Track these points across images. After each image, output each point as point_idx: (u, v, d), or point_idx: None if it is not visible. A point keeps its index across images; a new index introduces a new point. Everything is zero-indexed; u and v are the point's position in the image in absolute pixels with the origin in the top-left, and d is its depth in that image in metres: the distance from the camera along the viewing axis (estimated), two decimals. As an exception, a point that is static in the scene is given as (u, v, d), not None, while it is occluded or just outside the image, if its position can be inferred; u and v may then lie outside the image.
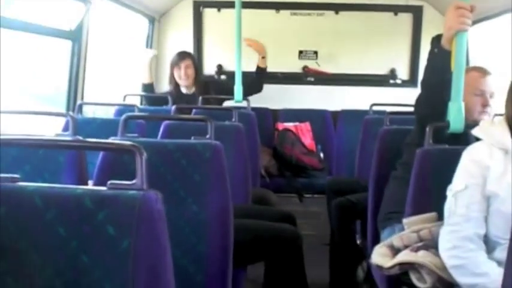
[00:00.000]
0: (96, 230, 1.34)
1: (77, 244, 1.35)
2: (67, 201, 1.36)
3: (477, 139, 2.15)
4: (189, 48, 5.38)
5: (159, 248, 1.35)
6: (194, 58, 4.64)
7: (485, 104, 2.61)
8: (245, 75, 4.35)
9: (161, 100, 4.45)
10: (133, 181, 1.38)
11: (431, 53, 2.44)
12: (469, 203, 1.96)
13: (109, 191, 1.37)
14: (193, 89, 4.55)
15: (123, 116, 2.56)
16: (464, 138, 2.42)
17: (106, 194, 1.37)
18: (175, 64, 4.52)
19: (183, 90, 4.58)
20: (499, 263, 1.92)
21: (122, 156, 2.19)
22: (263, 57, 4.73)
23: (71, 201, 1.36)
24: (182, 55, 4.56)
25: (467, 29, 2.30)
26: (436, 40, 2.40)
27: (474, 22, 2.33)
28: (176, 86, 4.58)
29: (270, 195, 4.03)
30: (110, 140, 1.58)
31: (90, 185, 2.28)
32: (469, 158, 2.02)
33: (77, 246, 1.35)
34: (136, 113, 3.13)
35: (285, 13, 5.50)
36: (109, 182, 1.39)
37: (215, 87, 4.64)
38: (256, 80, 4.68)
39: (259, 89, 4.74)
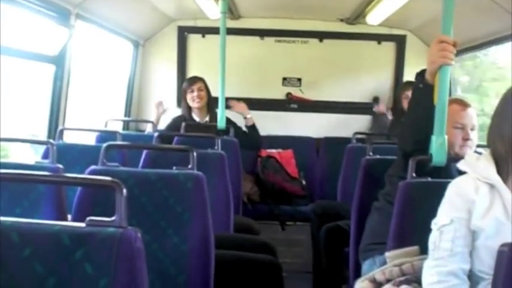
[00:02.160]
0: (74, 268, 1.31)
1: (55, 282, 1.33)
2: (44, 238, 1.33)
3: (459, 172, 2.15)
4: (173, 73, 5.38)
5: (138, 286, 1.32)
6: (206, 82, 4.58)
7: (465, 138, 2.61)
8: (236, 127, 4.40)
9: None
10: (113, 218, 1.36)
11: (415, 88, 2.45)
12: (454, 238, 1.95)
13: (87, 228, 1.35)
14: (206, 118, 4.47)
15: (104, 145, 2.53)
16: (446, 172, 2.42)
17: (84, 231, 1.34)
18: (187, 88, 4.45)
19: (196, 117, 4.48)
20: (481, 298, 1.91)
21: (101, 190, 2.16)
22: (245, 118, 4.61)
23: (48, 238, 1.33)
24: (193, 79, 4.54)
25: (450, 63, 2.32)
26: (420, 75, 2.41)
27: (458, 53, 2.34)
28: (188, 112, 4.49)
29: (252, 224, 4.01)
30: (89, 176, 1.55)
31: (70, 219, 2.24)
32: (455, 192, 2.01)
33: (54, 285, 1.33)
34: (118, 142, 3.11)
35: (269, 40, 5.52)
36: (88, 219, 1.37)
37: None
38: (250, 139, 4.56)
39: (257, 146, 4.73)
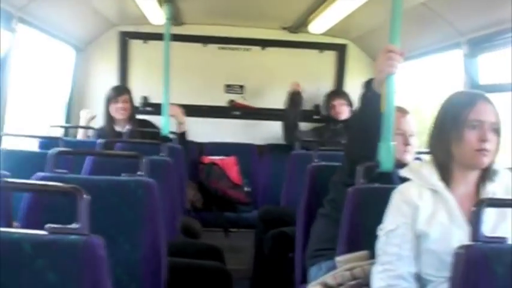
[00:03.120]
0: (37, 276, 1.28)
1: None
2: (4, 246, 1.29)
3: (401, 178, 2.21)
4: (114, 78, 5.31)
5: (102, 295, 1.30)
6: (131, 93, 4.51)
7: (406, 143, 2.69)
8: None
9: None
10: (75, 225, 1.34)
11: (364, 96, 2.50)
12: (401, 242, 2.01)
13: (49, 235, 1.32)
14: (126, 127, 4.36)
15: (53, 151, 2.48)
16: (388, 178, 2.49)
17: (46, 238, 1.31)
18: (112, 98, 4.36)
19: (117, 127, 4.40)
20: (430, 300, 1.97)
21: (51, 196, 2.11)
22: (180, 123, 4.58)
23: (8, 246, 1.29)
24: (119, 89, 4.46)
25: (395, 72, 2.38)
26: (368, 84, 2.46)
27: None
28: (110, 122, 4.40)
29: (196, 224, 4.03)
30: (50, 183, 1.51)
31: (16, 226, 2.18)
32: (399, 198, 2.07)
33: None
34: (67, 148, 3.04)
35: (212, 47, 5.52)
36: (48, 226, 1.34)
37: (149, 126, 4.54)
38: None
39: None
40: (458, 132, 1.99)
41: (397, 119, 2.66)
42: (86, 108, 4.88)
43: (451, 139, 2.00)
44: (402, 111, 2.74)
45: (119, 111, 4.33)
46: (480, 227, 1.54)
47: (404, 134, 2.70)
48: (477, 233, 1.52)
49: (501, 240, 1.54)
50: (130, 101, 4.42)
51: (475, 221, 1.53)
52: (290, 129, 4.97)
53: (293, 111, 5.02)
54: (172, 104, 4.49)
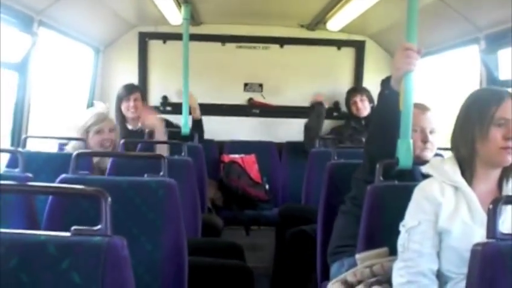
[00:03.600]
0: (61, 277, 1.32)
1: None
2: (30, 248, 1.33)
3: (423, 175, 2.22)
4: (134, 79, 5.36)
5: (126, 295, 1.33)
6: (142, 91, 4.57)
7: (425, 140, 2.69)
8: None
9: None
10: (98, 227, 1.37)
11: (381, 94, 2.50)
12: (423, 239, 2.01)
13: (73, 237, 1.36)
14: (139, 125, 4.43)
15: (75, 153, 2.52)
16: (410, 175, 2.49)
17: (70, 240, 1.35)
18: (123, 97, 4.43)
19: (129, 126, 4.47)
20: (451, 296, 1.98)
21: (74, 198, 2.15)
22: (193, 108, 4.64)
23: (34, 248, 1.33)
24: (130, 88, 4.50)
25: (414, 69, 2.38)
26: (386, 82, 2.46)
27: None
28: (122, 121, 4.45)
29: (217, 221, 4.08)
30: (73, 186, 1.54)
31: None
32: (421, 195, 2.08)
33: None
34: (88, 150, 3.09)
35: (230, 46, 5.55)
36: (73, 228, 1.37)
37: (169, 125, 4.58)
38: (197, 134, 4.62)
39: (202, 141, 4.68)
40: (484, 130, 1.98)
41: (416, 116, 2.66)
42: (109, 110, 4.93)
43: (476, 136, 2.00)
44: (421, 108, 2.74)
45: (129, 109, 4.39)
46: (497, 224, 1.54)
47: (423, 131, 2.70)
48: (493, 230, 1.53)
49: (518, 237, 1.54)
50: (142, 99, 4.46)
51: (491, 218, 1.54)
52: (311, 138, 4.98)
53: (315, 121, 5.05)
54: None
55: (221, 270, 2.77)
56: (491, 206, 1.54)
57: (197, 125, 4.68)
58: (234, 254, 3.26)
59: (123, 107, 4.42)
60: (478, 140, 1.99)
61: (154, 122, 4.07)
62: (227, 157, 5.18)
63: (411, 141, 2.44)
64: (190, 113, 4.53)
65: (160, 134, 4.03)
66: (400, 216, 2.12)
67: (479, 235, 1.88)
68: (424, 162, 2.27)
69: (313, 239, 3.30)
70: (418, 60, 2.37)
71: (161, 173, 2.54)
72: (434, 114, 2.78)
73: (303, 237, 3.71)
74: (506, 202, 1.59)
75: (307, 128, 5.05)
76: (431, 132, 2.72)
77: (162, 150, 3.73)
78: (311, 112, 5.14)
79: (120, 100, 4.44)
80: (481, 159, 2.01)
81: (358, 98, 5.01)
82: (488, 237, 1.55)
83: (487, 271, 1.49)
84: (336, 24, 5.01)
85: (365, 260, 2.29)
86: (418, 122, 2.69)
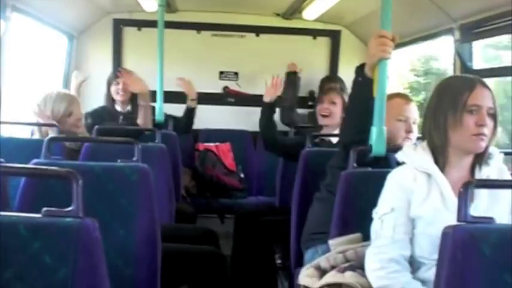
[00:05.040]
0: (32, 259, 1.30)
1: (12, 274, 1.31)
2: (0, 229, 1.31)
3: (398, 163, 2.23)
4: (109, 66, 5.31)
5: (97, 276, 1.33)
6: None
7: (408, 130, 2.71)
8: (176, 119, 4.50)
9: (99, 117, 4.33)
10: (70, 208, 1.36)
11: (355, 81, 2.51)
12: (395, 225, 2.03)
13: (44, 218, 1.34)
14: (128, 107, 4.44)
15: (47, 138, 2.50)
16: (385, 162, 2.51)
17: (41, 221, 1.33)
18: (112, 80, 4.43)
19: (118, 107, 4.46)
20: (423, 282, 2.00)
21: (46, 180, 2.13)
22: (192, 100, 4.63)
23: (4, 229, 1.31)
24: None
25: (388, 56, 2.39)
26: (360, 69, 2.47)
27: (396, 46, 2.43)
28: (111, 102, 4.46)
29: (189, 209, 4.08)
30: (45, 167, 1.53)
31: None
32: (394, 182, 2.09)
33: (11, 276, 1.31)
34: (60, 135, 3.05)
35: (206, 34, 5.52)
36: (44, 209, 1.36)
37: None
38: (184, 121, 4.60)
39: (187, 130, 4.69)
40: (456, 117, 1.99)
41: (401, 106, 2.70)
42: (82, 96, 4.88)
43: (449, 123, 2.01)
44: (405, 98, 2.77)
45: (119, 92, 4.39)
46: (468, 207, 1.56)
47: (407, 121, 2.72)
48: (464, 213, 1.54)
49: (488, 220, 1.56)
50: None
51: (462, 201, 1.55)
52: (287, 111, 4.99)
53: (290, 91, 5.04)
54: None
55: (195, 257, 2.77)
56: (462, 189, 1.56)
57: (190, 115, 4.64)
58: (208, 240, 3.27)
59: (112, 90, 4.43)
60: (451, 127, 2.01)
61: (140, 87, 4.05)
62: (202, 145, 5.17)
63: (384, 128, 2.46)
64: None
65: (147, 99, 4.05)
66: (373, 202, 2.13)
67: (451, 221, 1.90)
68: (398, 148, 2.28)
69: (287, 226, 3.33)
70: (392, 48, 2.39)
71: (134, 158, 2.53)
72: (415, 105, 2.81)
73: (274, 226, 3.75)
74: (477, 186, 1.61)
75: (282, 99, 5.05)
76: (414, 122, 2.75)
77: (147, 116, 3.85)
78: (286, 83, 5.12)
79: (109, 84, 4.45)
80: (454, 146, 2.03)
81: (331, 86, 5.02)
82: (459, 220, 1.57)
83: (458, 254, 1.50)
84: (311, 13, 5.02)
85: (338, 245, 2.30)
86: (403, 112, 2.71)
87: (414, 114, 2.75)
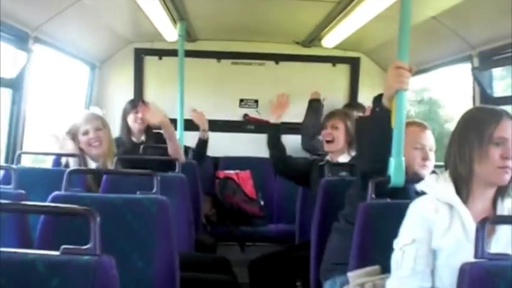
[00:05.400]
0: None
1: None
2: (19, 267, 1.33)
3: (417, 193, 2.22)
4: (130, 95, 5.37)
5: (114, 314, 1.33)
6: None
7: (425, 158, 2.69)
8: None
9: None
10: (87, 246, 1.37)
11: (372, 111, 2.51)
12: (416, 257, 2.01)
13: (62, 256, 1.36)
14: (142, 138, 4.46)
15: (68, 170, 2.53)
16: (404, 193, 2.50)
17: (59, 259, 1.35)
18: (130, 109, 4.46)
19: (133, 138, 4.48)
20: (443, 314, 1.98)
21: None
22: (204, 130, 4.67)
23: (23, 267, 1.33)
24: (136, 101, 4.56)
25: (406, 88, 2.39)
26: (377, 99, 2.48)
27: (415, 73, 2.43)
28: (127, 133, 4.47)
29: (209, 239, 4.08)
30: (61, 205, 1.55)
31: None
32: (416, 212, 2.07)
33: None
34: (81, 167, 3.09)
35: (226, 62, 5.58)
36: (62, 247, 1.37)
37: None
38: (197, 151, 4.64)
39: (200, 161, 4.66)
40: (482, 149, 1.97)
41: (417, 134, 2.68)
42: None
43: (474, 155, 1.99)
44: (421, 126, 2.75)
45: (137, 120, 4.40)
46: (484, 243, 1.55)
47: (423, 149, 2.70)
48: (481, 249, 1.53)
49: (505, 257, 1.55)
50: None
51: (479, 237, 1.54)
52: (308, 137, 5.00)
53: (312, 118, 5.06)
54: (194, 110, 4.56)
55: (211, 285, 2.77)
56: (478, 226, 1.55)
57: (203, 146, 4.68)
58: (222, 267, 3.28)
59: (130, 119, 4.45)
60: (476, 160, 1.99)
61: (161, 118, 3.78)
62: (222, 173, 5.19)
63: (403, 158, 2.45)
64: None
65: (170, 129, 3.78)
66: (392, 234, 2.11)
67: (472, 253, 1.88)
68: (419, 179, 2.27)
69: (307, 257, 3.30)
70: (409, 79, 2.39)
71: (154, 190, 2.54)
72: (431, 132, 2.80)
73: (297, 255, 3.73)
74: (493, 222, 1.60)
75: (304, 126, 5.06)
76: (430, 149, 2.73)
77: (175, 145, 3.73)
78: (308, 110, 5.14)
79: (127, 113, 4.48)
80: (479, 178, 2.01)
81: (354, 114, 5.02)
82: (476, 257, 1.55)
83: (475, 291, 1.49)
84: (330, 41, 5.04)
85: (357, 278, 2.29)
86: (419, 140, 2.69)
87: (430, 141, 2.74)
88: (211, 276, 3.00)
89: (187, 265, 2.84)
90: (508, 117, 2.01)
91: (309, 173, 3.77)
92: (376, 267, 2.29)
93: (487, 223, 1.56)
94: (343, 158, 3.68)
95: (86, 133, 3.38)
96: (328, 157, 3.78)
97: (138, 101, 4.64)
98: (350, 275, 2.33)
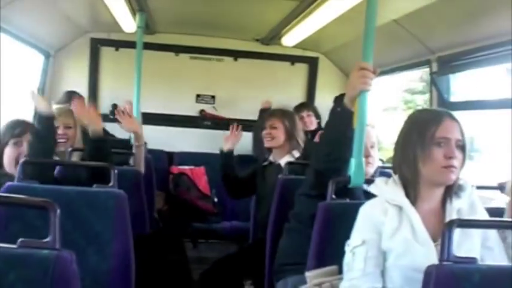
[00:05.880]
0: None
1: None
2: (-27, 260, 1.27)
3: (365, 192, 2.23)
4: (84, 85, 5.27)
5: (73, 310, 1.29)
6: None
7: (366, 155, 2.71)
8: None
9: None
10: (46, 239, 1.32)
11: (333, 111, 2.50)
12: (366, 258, 2.02)
13: (20, 249, 1.30)
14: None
15: (21, 161, 2.45)
16: (352, 193, 2.51)
17: (17, 252, 1.29)
18: (64, 102, 4.30)
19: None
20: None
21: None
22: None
23: (-23, 260, 1.27)
24: (71, 94, 4.46)
25: (369, 88, 2.40)
26: (339, 99, 2.48)
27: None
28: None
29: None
30: (20, 196, 1.49)
31: None
32: (365, 214, 2.09)
33: None
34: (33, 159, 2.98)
35: (184, 57, 5.52)
36: (19, 240, 1.32)
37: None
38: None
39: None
40: (425, 150, 2.00)
41: None
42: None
43: (418, 156, 2.02)
44: None
45: None
46: (450, 246, 1.56)
47: (365, 146, 2.72)
48: (448, 252, 1.54)
49: (471, 260, 1.56)
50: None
51: (445, 240, 1.55)
52: (259, 144, 4.98)
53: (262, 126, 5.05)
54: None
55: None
56: (446, 229, 1.55)
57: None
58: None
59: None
60: (420, 161, 2.01)
61: (135, 126, 3.83)
62: (176, 168, 5.12)
63: (363, 159, 2.46)
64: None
65: (141, 140, 3.79)
66: (350, 234, 2.12)
67: (421, 254, 1.90)
68: (371, 180, 2.28)
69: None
70: (372, 80, 2.40)
71: (110, 184, 2.49)
72: (372, 129, 2.82)
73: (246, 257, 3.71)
74: (460, 225, 1.61)
75: (254, 133, 5.04)
76: (371, 146, 2.77)
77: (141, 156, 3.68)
78: (260, 118, 5.14)
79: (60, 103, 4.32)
80: (425, 179, 2.03)
81: (305, 113, 5.03)
82: (442, 259, 1.56)
83: (440, 293, 1.50)
84: (290, 39, 5.05)
85: (315, 278, 2.28)
86: None
87: (372, 138, 2.78)
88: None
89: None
90: (449, 118, 2.03)
91: (254, 178, 3.79)
92: (334, 267, 2.28)
93: (454, 226, 1.57)
94: (287, 159, 3.67)
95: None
96: (271, 158, 3.77)
97: (75, 94, 4.51)
98: (308, 274, 2.32)
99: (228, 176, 3.93)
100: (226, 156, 3.95)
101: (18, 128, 2.91)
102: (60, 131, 3.20)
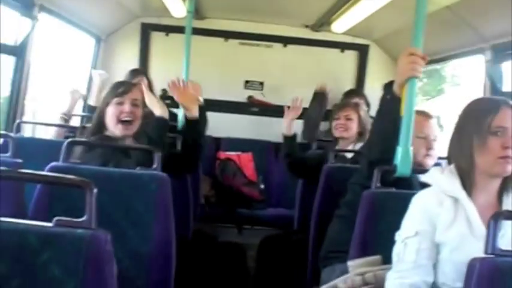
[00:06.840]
0: (40, 269, 1.26)
1: (19, 283, 1.27)
2: (9, 237, 1.27)
3: (421, 184, 2.16)
4: (134, 69, 5.30)
5: (106, 291, 1.28)
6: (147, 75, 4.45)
7: (429, 147, 2.66)
8: None
9: None
10: (82, 218, 1.31)
11: (383, 98, 2.45)
12: (419, 250, 1.95)
13: (55, 228, 1.30)
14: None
15: (66, 142, 2.47)
16: (408, 183, 2.44)
17: (52, 231, 1.29)
18: (131, 79, 4.12)
19: None
20: (444, 310, 1.93)
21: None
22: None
23: (13, 237, 1.27)
24: (135, 72, 4.39)
25: (418, 75, 2.33)
26: (388, 87, 2.41)
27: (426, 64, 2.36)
28: None
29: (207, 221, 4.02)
30: (58, 174, 1.49)
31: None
32: (419, 205, 2.02)
33: (18, 286, 1.27)
34: (81, 139, 3.02)
35: (233, 42, 5.50)
36: (55, 219, 1.31)
37: None
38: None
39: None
40: (482, 140, 1.93)
41: (421, 123, 2.63)
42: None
43: (474, 146, 1.95)
44: (426, 115, 2.71)
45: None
46: (496, 239, 1.49)
47: (427, 138, 2.66)
48: (492, 245, 1.47)
49: (517, 254, 1.49)
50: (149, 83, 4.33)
51: (491, 233, 1.48)
52: (311, 128, 4.95)
53: (316, 110, 5.02)
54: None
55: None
56: (491, 221, 1.49)
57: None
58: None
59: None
60: (476, 150, 1.94)
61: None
62: (223, 154, 5.12)
63: (411, 148, 2.39)
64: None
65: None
66: (396, 224, 2.06)
67: (477, 248, 1.82)
68: (424, 170, 2.21)
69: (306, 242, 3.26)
70: (422, 67, 2.32)
71: (154, 166, 2.49)
72: (435, 122, 2.75)
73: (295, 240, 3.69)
74: (507, 217, 1.54)
75: (306, 117, 5.00)
76: (434, 139, 2.69)
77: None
78: (313, 101, 5.10)
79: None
80: (480, 169, 1.96)
81: (355, 101, 4.96)
82: (486, 252, 1.50)
83: (483, 287, 1.44)
84: (340, 26, 4.97)
85: (357, 267, 2.24)
86: (423, 129, 2.66)
87: (435, 131, 2.70)
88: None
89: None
90: (507, 106, 1.95)
91: (321, 165, 3.73)
92: (377, 257, 2.23)
93: (501, 218, 1.50)
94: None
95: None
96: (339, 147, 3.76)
97: (139, 72, 4.48)
98: (350, 263, 2.28)
99: (293, 158, 3.88)
100: (292, 139, 3.89)
101: (121, 87, 2.90)
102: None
